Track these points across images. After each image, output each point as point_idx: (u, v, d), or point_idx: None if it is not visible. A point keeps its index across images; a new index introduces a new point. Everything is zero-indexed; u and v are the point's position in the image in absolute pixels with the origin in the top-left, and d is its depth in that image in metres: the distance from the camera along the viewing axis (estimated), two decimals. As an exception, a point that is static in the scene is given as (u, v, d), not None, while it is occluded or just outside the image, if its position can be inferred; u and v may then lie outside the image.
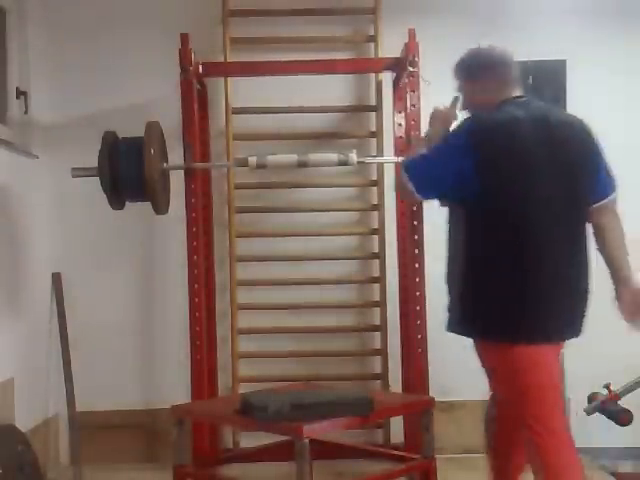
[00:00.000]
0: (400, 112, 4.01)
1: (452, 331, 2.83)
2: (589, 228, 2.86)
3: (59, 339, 4.14)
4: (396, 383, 4.06)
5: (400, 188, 2.92)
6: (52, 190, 4.24)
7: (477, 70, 2.88)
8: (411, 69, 3.68)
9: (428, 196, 2.88)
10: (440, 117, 3.00)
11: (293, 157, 3.67)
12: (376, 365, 4.29)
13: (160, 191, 3.52)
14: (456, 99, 2.99)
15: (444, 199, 2.93)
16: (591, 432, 4.20)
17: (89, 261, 4.30)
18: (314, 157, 3.70)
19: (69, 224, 4.27)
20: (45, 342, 4.11)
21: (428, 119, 3.08)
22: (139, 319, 4.33)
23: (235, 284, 4.22)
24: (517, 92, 2.85)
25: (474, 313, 2.75)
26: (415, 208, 3.69)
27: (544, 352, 2.70)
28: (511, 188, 2.67)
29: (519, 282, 2.66)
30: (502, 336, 2.69)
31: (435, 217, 3.77)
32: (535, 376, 2.70)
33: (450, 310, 2.84)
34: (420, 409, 2.92)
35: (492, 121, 2.73)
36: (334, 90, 4.28)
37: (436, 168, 2.77)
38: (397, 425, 4.05)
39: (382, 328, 4.23)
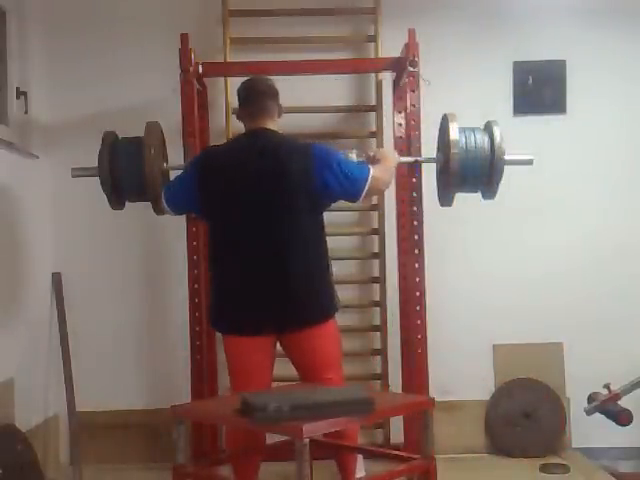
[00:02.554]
0: (400, 112, 4.01)
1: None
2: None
3: (59, 339, 4.14)
4: (396, 383, 4.05)
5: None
6: (52, 190, 4.24)
7: (238, 98, 3.28)
8: (411, 69, 3.68)
9: (173, 209, 3.31)
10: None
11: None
12: (376, 365, 4.29)
13: (160, 191, 3.51)
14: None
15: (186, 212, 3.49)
16: (591, 432, 4.20)
17: (89, 261, 4.30)
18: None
19: (69, 224, 4.27)
20: (45, 342, 4.11)
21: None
22: (139, 319, 4.33)
23: (235, 284, 4.21)
24: (268, 125, 3.21)
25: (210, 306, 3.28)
26: (415, 208, 3.69)
27: (237, 342, 3.11)
28: (219, 212, 3.11)
29: (221, 283, 3.16)
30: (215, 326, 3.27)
31: (435, 217, 3.79)
32: (229, 363, 3.16)
33: None
34: (420, 409, 2.91)
35: (213, 154, 3.23)
36: (334, 90, 4.28)
37: (176, 191, 3.26)
38: (397, 425, 4.05)
39: (382, 328, 4.23)
